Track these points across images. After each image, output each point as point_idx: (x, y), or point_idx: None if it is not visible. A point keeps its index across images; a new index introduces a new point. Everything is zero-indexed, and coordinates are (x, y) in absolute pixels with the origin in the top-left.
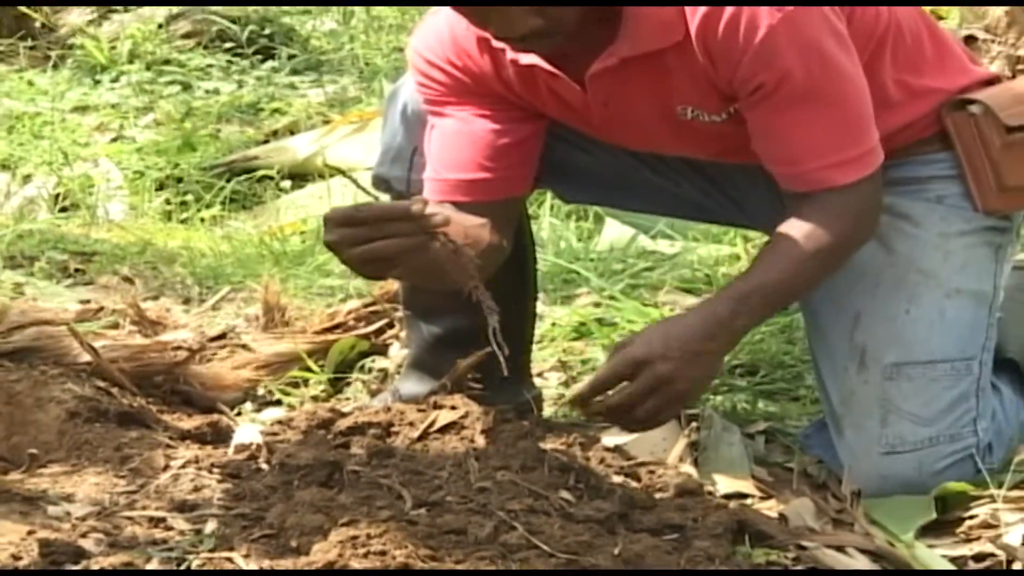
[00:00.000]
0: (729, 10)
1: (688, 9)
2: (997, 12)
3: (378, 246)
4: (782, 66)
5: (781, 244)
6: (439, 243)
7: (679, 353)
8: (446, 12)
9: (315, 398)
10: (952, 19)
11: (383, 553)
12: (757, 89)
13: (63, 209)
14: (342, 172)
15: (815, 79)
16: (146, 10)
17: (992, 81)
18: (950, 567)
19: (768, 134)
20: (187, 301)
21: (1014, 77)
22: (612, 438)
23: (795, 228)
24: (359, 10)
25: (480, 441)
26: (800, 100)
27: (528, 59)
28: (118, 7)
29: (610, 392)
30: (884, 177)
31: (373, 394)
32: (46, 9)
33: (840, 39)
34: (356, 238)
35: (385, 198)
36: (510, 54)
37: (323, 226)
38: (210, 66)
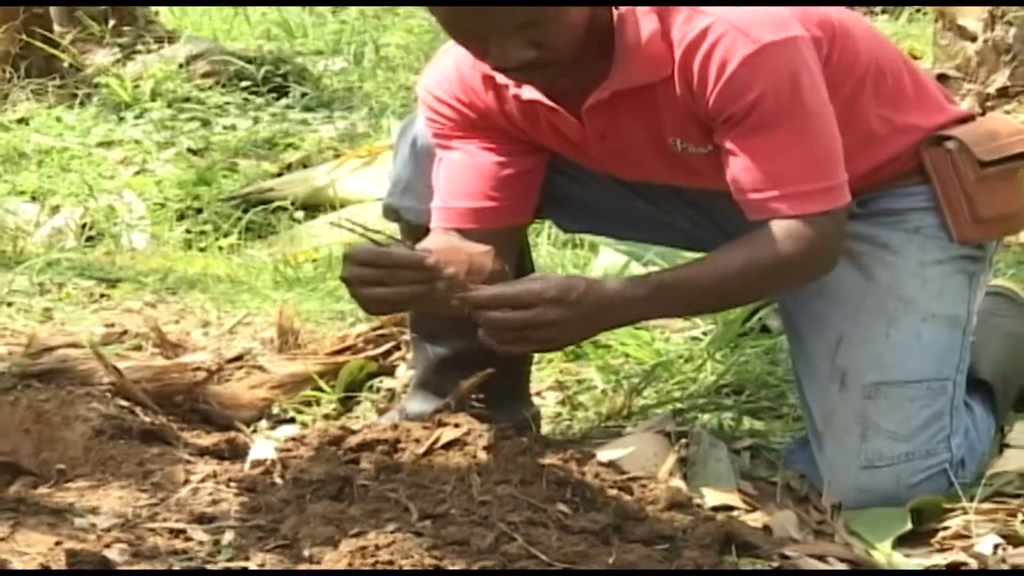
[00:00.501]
0: (709, 40)
1: (675, 44)
2: (968, 52)
3: (389, 293)
4: (751, 96)
5: (723, 252)
6: (446, 284)
7: (583, 312)
8: (453, 52)
9: (326, 416)
10: (926, 58)
11: (390, 563)
12: (728, 119)
13: (89, 238)
14: (352, 227)
15: (782, 111)
16: (167, 51)
17: (966, 119)
18: None
19: (734, 162)
20: (206, 325)
21: (984, 113)
22: (606, 454)
23: (743, 242)
24: (368, 50)
25: (482, 457)
26: (766, 130)
27: (529, 95)
28: (140, 49)
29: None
30: (866, 208)
31: (381, 412)
32: (74, 50)
33: (813, 76)
34: (370, 279)
35: (394, 227)
36: (513, 90)
37: (343, 261)
38: (228, 104)
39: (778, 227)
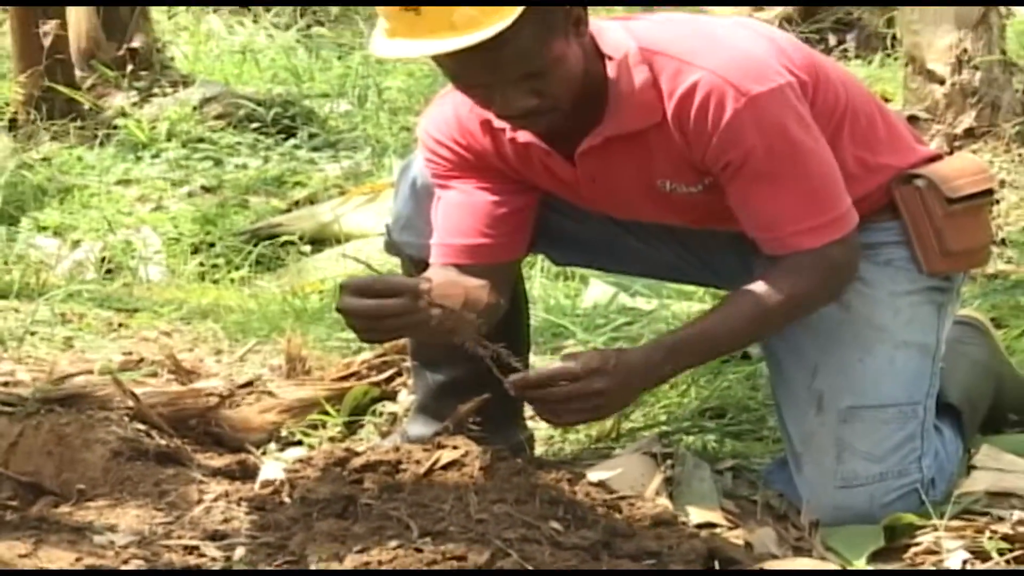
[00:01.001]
0: (700, 94)
1: (665, 93)
2: (936, 95)
3: (384, 324)
4: (746, 145)
5: (737, 300)
6: (442, 312)
7: (621, 380)
8: (452, 97)
9: (332, 439)
10: (897, 100)
11: (390, 571)
12: (726, 166)
13: (108, 271)
14: (358, 261)
15: (777, 155)
16: (182, 94)
17: (935, 158)
18: None
19: (744, 205)
20: (218, 352)
21: (952, 152)
22: (596, 474)
23: (757, 287)
24: (371, 93)
25: (479, 477)
26: (766, 174)
27: (524, 138)
28: (156, 92)
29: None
30: None
31: (384, 435)
32: (93, 94)
33: (801, 119)
34: (366, 310)
35: (395, 262)
36: (508, 134)
37: (339, 291)
38: (239, 144)
39: (795, 262)
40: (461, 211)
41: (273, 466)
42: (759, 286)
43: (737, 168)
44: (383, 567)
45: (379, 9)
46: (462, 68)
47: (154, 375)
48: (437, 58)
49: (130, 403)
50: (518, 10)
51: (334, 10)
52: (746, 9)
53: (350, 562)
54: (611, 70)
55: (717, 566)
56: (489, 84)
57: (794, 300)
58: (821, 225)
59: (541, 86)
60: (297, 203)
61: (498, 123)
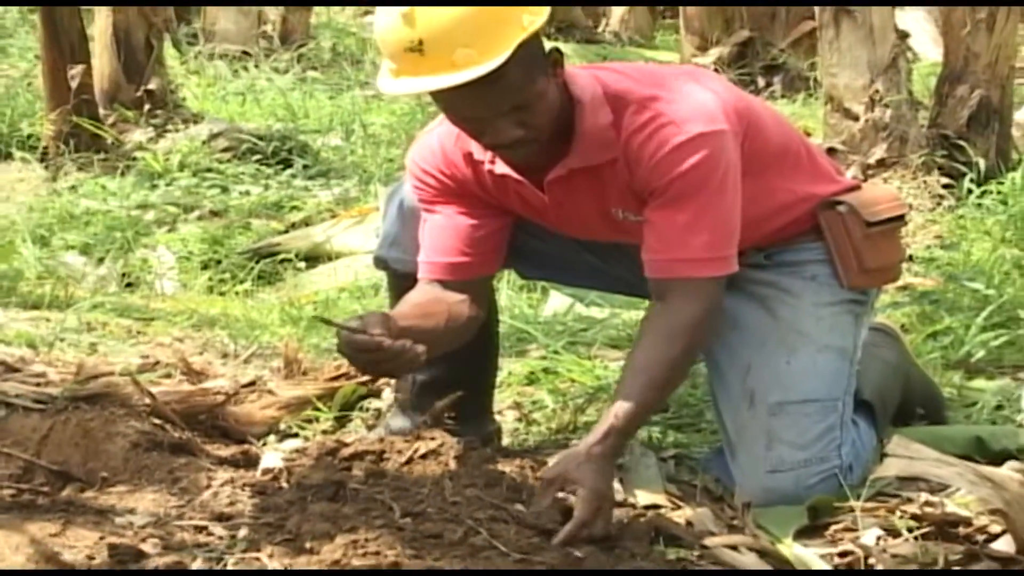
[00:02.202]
0: (649, 128)
1: (623, 130)
2: (853, 129)
3: (369, 369)
4: (673, 174)
5: (644, 356)
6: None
7: (607, 485)
8: (437, 132)
9: (324, 432)
10: (818, 134)
11: (377, 553)
12: (652, 192)
13: (128, 285)
14: (328, 321)
15: (694, 189)
16: (192, 130)
17: (854, 187)
18: (820, 563)
19: (651, 225)
20: (225, 356)
21: (866, 180)
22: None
23: (657, 333)
24: (358, 128)
25: (453, 465)
26: (678, 203)
27: (501, 170)
28: (170, 129)
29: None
30: (772, 260)
31: (370, 428)
32: (115, 130)
33: (728, 164)
34: (359, 360)
35: (382, 275)
36: (487, 166)
37: (338, 344)
38: (242, 173)
39: (673, 296)
40: (444, 233)
41: (273, 456)
42: (652, 333)
43: (660, 193)
44: (369, 544)
45: (385, 52)
46: (460, 102)
47: (168, 376)
48: (436, 93)
49: (147, 401)
50: (511, 50)
51: (326, 56)
52: (688, 52)
53: (340, 540)
54: (579, 110)
55: (662, 541)
56: (482, 116)
57: (689, 344)
58: (707, 259)
59: (526, 118)
60: (294, 225)
61: (478, 155)
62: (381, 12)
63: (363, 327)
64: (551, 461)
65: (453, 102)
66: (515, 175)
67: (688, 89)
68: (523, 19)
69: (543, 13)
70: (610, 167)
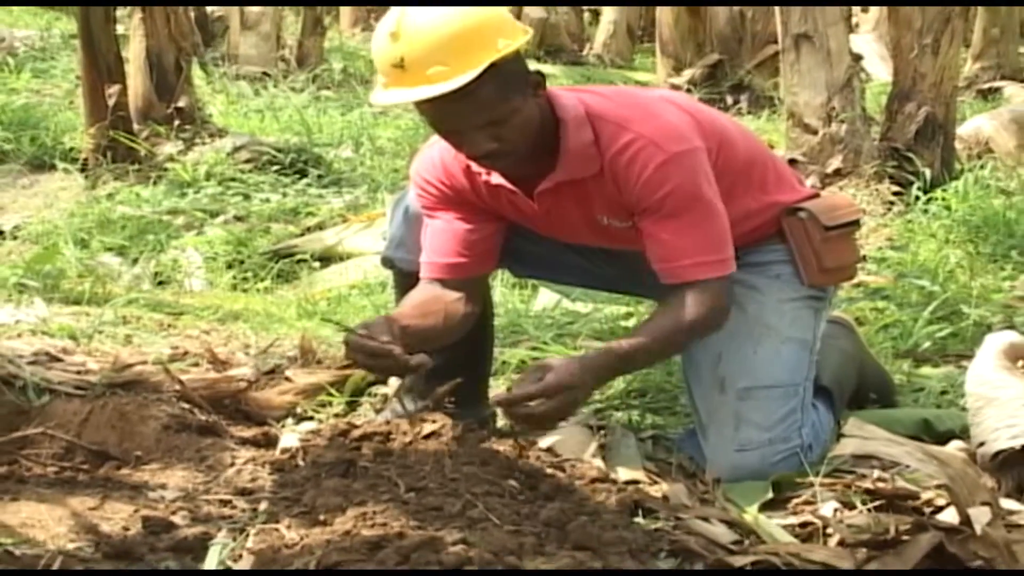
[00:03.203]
0: (631, 151)
1: (603, 150)
2: (812, 142)
3: (375, 370)
4: (662, 192)
5: (654, 323)
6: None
7: (587, 387)
8: (438, 145)
9: (336, 415)
10: (780, 146)
11: (384, 524)
12: (646, 209)
13: (160, 283)
14: (342, 326)
15: (683, 203)
16: (218, 143)
17: (814, 195)
18: (784, 533)
19: (651, 239)
20: (247, 347)
21: (824, 188)
22: (545, 442)
23: (667, 313)
24: (366, 141)
25: (453, 445)
26: (674, 217)
27: (496, 180)
28: (197, 142)
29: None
30: (740, 260)
31: (377, 412)
32: (147, 144)
33: (707, 177)
34: (364, 362)
35: (388, 273)
36: (483, 177)
37: (345, 346)
38: (263, 182)
39: (689, 292)
40: (444, 236)
41: (290, 437)
42: (667, 315)
43: (653, 210)
44: (377, 516)
45: (377, 67)
46: (437, 114)
47: (196, 365)
48: (420, 106)
49: (177, 387)
50: (479, 70)
51: (338, 77)
52: (663, 73)
53: (351, 512)
54: (563, 129)
55: (641, 513)
56: (458, 129)
57: (691, 325)
58: (708, 262)
59: (501, 132)
60: (309, 229)
61: (475, 167)
62: (377, 31)
63: (372, 334)
64: (541, 442)
65: (432, 115)
66: (508, 185)
67: (662, 110)
68: (498, 42)
69: (520, 38)
70: (594, 180)
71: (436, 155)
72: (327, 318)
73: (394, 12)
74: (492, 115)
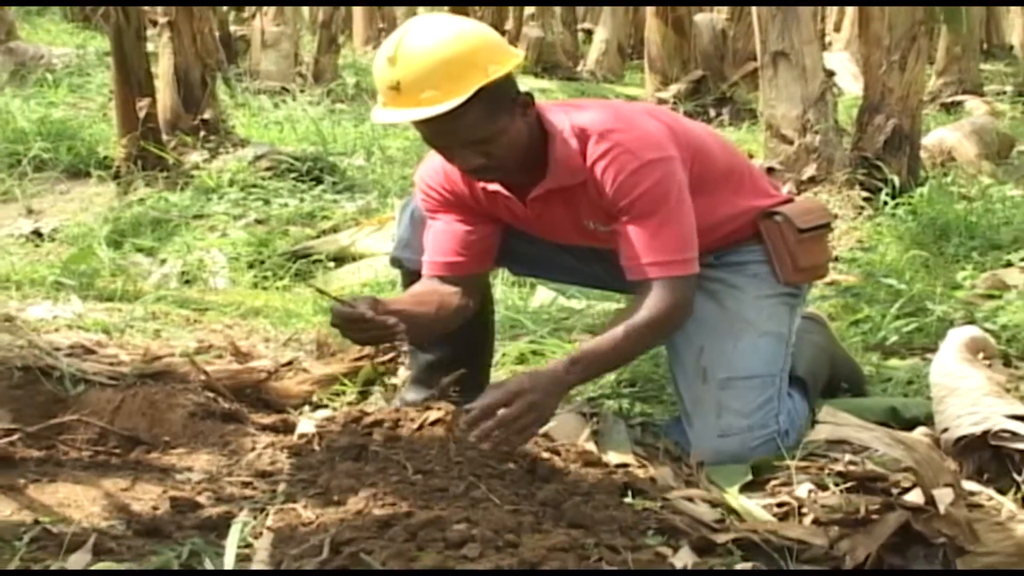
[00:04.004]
0: (609, 156)
1: (587, 159)
2: (788, 152)
3: (355, 338)
4: (635, 194)
5: (617, 326)
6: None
7: (541, 391)
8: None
9: (350, 403)
10: (759, 156)
11: (393, 504)
12: (620, 209)
13: (186, 281)
14: (324, 292)
15: (653, 207)
16: (240, 152)
17: (788, 200)
18: (762, 512)
19: (622, 238)
20: (267, 340)
21: (799, 194)
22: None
23: (628, 314)
24: (377, 151)
25: (457, 431)
26: (642, 218)
27: (492, 187)
28: (221, 151)
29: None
30: (720, 260)
31: (388, 400)
32: (174, 150)
33: (678, 184)
34: (347, 329)
35: (397, 272)
36: (481, 183)
37: (331, 317)
38: (281, 188)
39: (655, 289)
40: (444, 237)
41: (307, 423)
42: (630, 314)
43: (624, 211)
44: (387, 496)
45: (377, 88)
46: (429, 133)
47: (220, 357)
48: (415, 124)
49: (202, 377)
50: (467, 95)
51: (351, 92)
52: (651, 88)
53: (363, 493)
54: (551, 142)
55: (631, 494)
56: (449, 145)
57: (654, 323)
58: (670, 262)
59: (489, 149)
60: (324, 231)
61: (460, 171)
62: (378, 54)
63: (354, 305)
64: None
65: (425, 132)
66: (504, 192)
67: (642, 122)
68: (488, 68)
69: (509, 63)
70: (581, 188)
71: (438, 163)
72: (315, 287)
73: (394, 37)
74: (480, 134)
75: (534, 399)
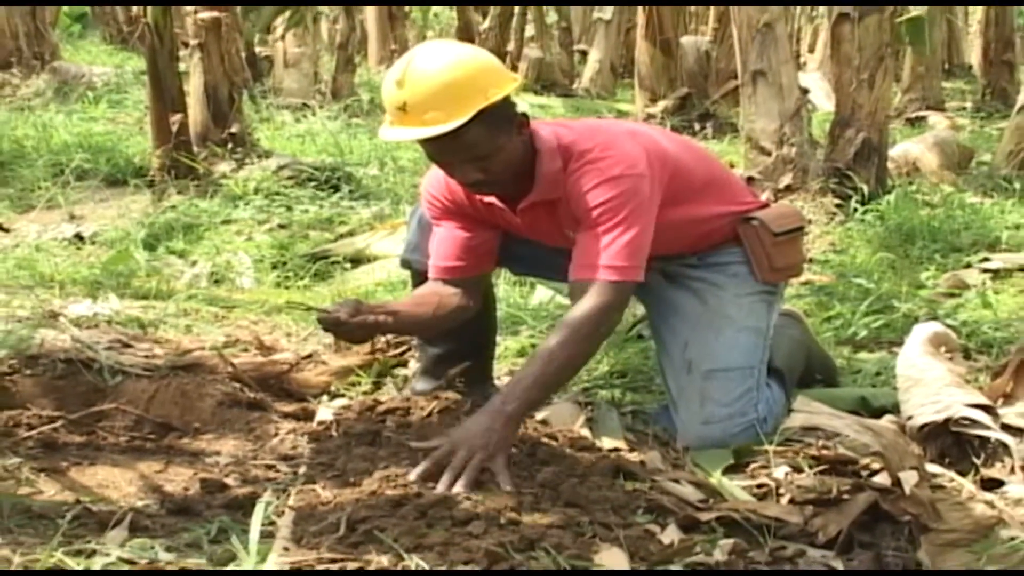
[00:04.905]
0: (577, 173)
1: (568, 174)
2: (767, 162)
3: (341, 337)
4: (592, 205)
5: (550, 339)
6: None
7: (473, 435)
8: None
9: (365, 393)
10: (740, 166)
11: (405, 485)
12: (580, 219)
13: (216, 281)
14: (304, 307)
15: (608, 218)
16: (264, 163)
17: (765, 205)
18: (743, 493)
19: (577, 241)
20: (289, 335)
21: (776, 201)
22: (541, 415)
23: (561, 327)
24: (390, 161)
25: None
26: (595, 226)
27: (489, 199)
28: (247, 162)
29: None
30: (703, 262)
31: (399, 390)
32: (204, 160)
33: (641, 200)
34: (332, 331)
35: (407, 272)
36: (478, 195)
37: (317, 324)
38: (302, 195)
39: (594, 290)
40: (446, 243)
41: (325, 411)
42: (563, 325)
43: (586, 218)
44: (398, 478)
45: (385, 107)
46: (432, 150)
47: (245, 350)
48: (419, 141)
49: (229, 369)
50: (468, 116)
51: (366, 107)
52: (641, 104)
53: (377, 475)
54: (539, 159)
55: (622, 476)
56: (450, 162)
57: (588, 319)
58: (606, 266)
59: (487, 166)
60: (341, 235)
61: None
62: (387, 77)
63: (335, 309)
64: (537, 415)
65: (429, 150)
66: (498, 203)
67: (620, 142)
68: (488, 91)
69: (508, 87)
70: (561, 201)
71: (442, 175)
72: (293, 304)
73: (402, 62)
74: (479, 152)
75: (473, 437)
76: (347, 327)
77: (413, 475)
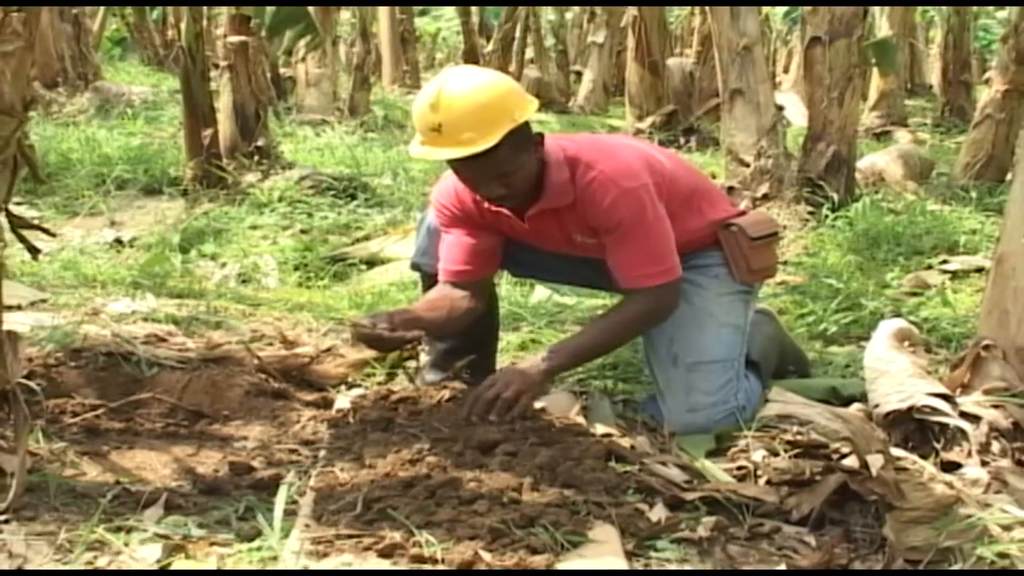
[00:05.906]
0: (593, 186)
1: (575, 185)
2: (745, 173)
3: (375, 349)
4: (617, 218)
5: (600, 321)
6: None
7: (512, 375)
8: (453, 177)
9: (379, 383)
10: (720, 176)
11: (415, 467)
12: (606, 231)
13: (243, 281)
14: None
15: (633, 228)
16: (288, 173)
17: (743, 213)
18: (724, 475)
19: (611, 255)
20: (310, 330)
21: (754, 208)
22: (540, 403)
23: (615, 312)
24: (402, 172)
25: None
26: (626, 238)
27: (496, 208)
28: (272, 172)
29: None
30: (686, 264)
31: (411, 381)
32: (233, 171)
33: (653, 206)
34: (369, 342)
35: (417, 274)
36: (486, 203)
37: (352, 335)
38: (322, 203)
39: (638, 296)
40: (454, 248)
41: (343, 399)
42: (617, 312)
43: (610, 231)
44: (410, 460)
45: (417, 128)
46: (463, 168)
47: (270, 344)
48: (449, 161)
49: (256, 362)
50: (499, 137)
51: (380, 123)
52: (631, 120)
53: (391, 459)
54: (547, 169)
55: (614, 459)
56: (477, 178)
57: (637, 319)
58: (655, 272)
59: (509, 182)
60: (358, 240)
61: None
62: (418, 100)
63: (372, 323)
64: (536, 404)
65: (458, 167)
66: (505, 211)
67: (622, 153)
68: (515, 113)
69: (530, 110)
70: (570, 208)
71: (451, 184)
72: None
73: (434, 85)
74: (504, 169)
75: (514, 375)
76: (384, 342)
77: (464, 410)
